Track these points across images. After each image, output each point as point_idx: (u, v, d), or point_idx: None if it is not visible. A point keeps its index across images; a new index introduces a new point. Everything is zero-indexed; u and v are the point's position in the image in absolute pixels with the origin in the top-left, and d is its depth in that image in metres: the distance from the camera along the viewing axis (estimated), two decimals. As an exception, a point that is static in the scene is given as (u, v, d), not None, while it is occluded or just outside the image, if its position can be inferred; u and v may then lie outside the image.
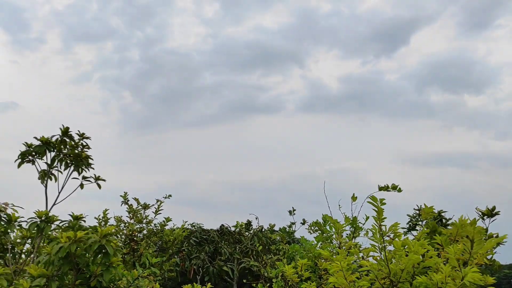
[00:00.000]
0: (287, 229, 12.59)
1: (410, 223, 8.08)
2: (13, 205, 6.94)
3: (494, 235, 3.79)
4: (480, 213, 4.10)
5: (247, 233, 11.84)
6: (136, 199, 11.58)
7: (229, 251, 9.91)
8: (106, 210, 11.16)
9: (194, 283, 5.87)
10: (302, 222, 12.53)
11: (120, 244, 10.58)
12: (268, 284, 7.19)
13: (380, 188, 4.83)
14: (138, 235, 11.32)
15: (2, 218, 6.87)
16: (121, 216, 11.54)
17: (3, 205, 6.94)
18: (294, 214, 12.62)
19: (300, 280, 4.96)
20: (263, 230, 11.74)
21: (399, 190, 4.94)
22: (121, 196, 11.47)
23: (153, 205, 11.62)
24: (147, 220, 11.57)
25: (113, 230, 4.52)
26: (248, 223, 12.61)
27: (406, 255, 3.29)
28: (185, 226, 12.90)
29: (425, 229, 4.25)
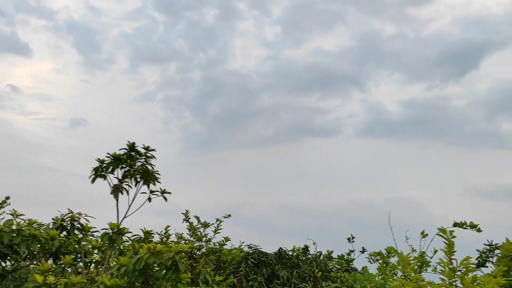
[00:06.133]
0: (345, 257, 12.29)
1: (479, 259, 7.61)
2: (86, 215, 7.41)
3: None
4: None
5: (304, 258, 11.71)
6: (197, 217, 11.85)
7: (287, 276, 9.85)
8: (168, 226, 11.55)
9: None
10: (362, 250, 12.18)
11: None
12: (327, 312, 7.07)
13: (455, 224, 4.59)
14: (197, 252, 11.56)
15: (76, 227, 7.36)
16: (182, 233, 11.88)
17: (77, 215, 7.44)
18: (353, 241, 12.31)
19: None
20: (321, 256, 11.56)
21: (479, 230, 4.63)
22: (182, 213, 11.81)
23: (213, 224, 11.85)
24: (206, 238, 11.80)
25: (188, 248, 4.72)
26: (306, 248, 12.45)
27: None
28: (242, 247, 12.98)
29: (502, 266, 4.02)
